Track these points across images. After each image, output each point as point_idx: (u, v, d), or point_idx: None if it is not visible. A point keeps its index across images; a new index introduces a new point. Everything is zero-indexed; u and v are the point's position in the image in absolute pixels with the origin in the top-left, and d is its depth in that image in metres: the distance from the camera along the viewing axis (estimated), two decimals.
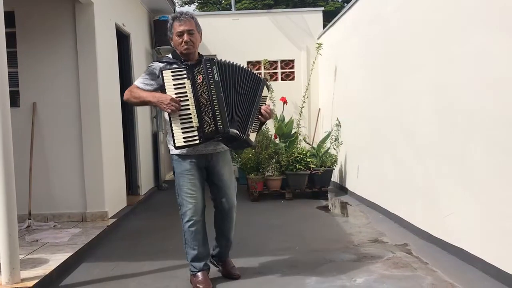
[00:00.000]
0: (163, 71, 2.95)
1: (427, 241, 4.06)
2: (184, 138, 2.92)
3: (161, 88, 3.00)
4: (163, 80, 2.94)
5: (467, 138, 3.45)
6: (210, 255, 3.40)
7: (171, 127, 2.94)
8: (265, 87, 3.15)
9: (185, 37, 3.04)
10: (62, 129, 5.20)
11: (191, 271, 3.24)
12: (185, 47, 3.06)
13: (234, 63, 3.08)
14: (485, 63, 3.23)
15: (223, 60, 3.05)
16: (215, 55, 8.41)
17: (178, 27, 3.05)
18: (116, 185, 5.71)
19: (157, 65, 3.10)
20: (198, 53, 3.22)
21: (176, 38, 3.07)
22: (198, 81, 2.91)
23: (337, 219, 5.33)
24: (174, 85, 2.93)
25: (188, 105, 2.92)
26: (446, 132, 3.77)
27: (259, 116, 3.11)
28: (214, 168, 3.21)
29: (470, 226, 3.45)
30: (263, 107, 3.11)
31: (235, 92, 3.00)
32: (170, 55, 3.19)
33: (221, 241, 3.39)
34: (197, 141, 2.93)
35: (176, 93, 2.92)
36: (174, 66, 3.05)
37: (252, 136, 3.06)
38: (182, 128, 2.92)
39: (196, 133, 2.92)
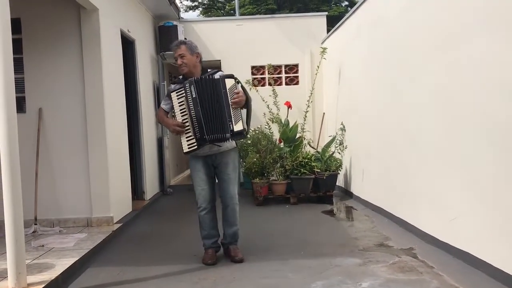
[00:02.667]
0: (171, 93, 3.71)
1: (432, 245, 4.04)
2: (188, 145, 3.67)
3: (173, 105, 3.75)
4: (172, 100, 3.73)
5: (472, 141, 3.45)
6: (220, 242, 4.03)
7: (180, 137, 3.71)
8: (226, 80, 3.66)
9: (178, 60, 3.77)
10: (68, 135, 5.23)
11: (203, 246, 3.97)
12: (180, 68, 3.78)
13: (206, 77, 3.70)
14: (490, 67, 3.22)
15: (203, 76, 3.71)
16: (219, 60, 8.45)
17: (174, 54, 3.79)
18: (121, 190, 5.73)
19: (170, 88, 3.83)
20: (204, 69, 3.89)
21: (176, 63, 3.80)
22: (188, 99, 3.60)
23: (342, 223, 5.32)
24: (178, 103, 3.69)
25: (187, 118, 3.64)
26: (450, 135, 3.76)
27: (234, 106, 3.63)
28: (218, 165, 3.87)
29: (476, 229, 3.44)
30: (232, 99, 3.62)
31: (208, 101, 3.62)
32: (180, 76, 3.88)
33: (225, 228, 4.00)
34: (196, 147, 3.64)
35: (180, 110, 3.68)
36: (177, 86, 3.73)
37: (238, 126, 3.61)
38: (186, 138, 3.67)
39: (194, 140, 3.62)
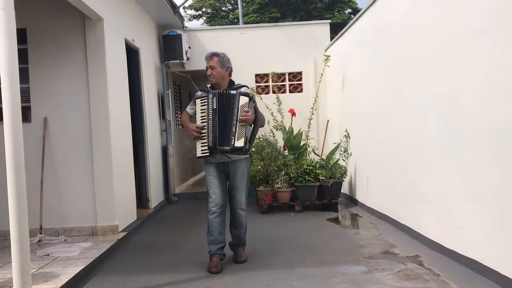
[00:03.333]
0: (196, 99, 4.01)
1: (439, 252, 4.02)
2: (201, 151, 3.92)
3: (196, 112, 4.02)
4: (196, 105, 4.01)
5: (477, 148, 3.44)
6: (228, 243, 4.20)
7: (196, 142, 3.96)
8: (241, 97, 3.88)
9: (208, 71, 4.01)
10: (73, 144, 5.25)
11: (209, 254, 4.02)
12: (209, 79, 4.03)
13: (227, 91, 3.92)
14: (494, 73, 3.22)
15: (226, 90, 3.94)
16: None
17: (206, 64, 4.04)
18: (126, 199, 5.74)
19: (197, 94, 4.07)
20: (231, 81, 4.11)
21: (207, 72, 4.03)
22: (208, 108, 3.88)
23: (347, 231, 5.30)
24: (200, 109, 3.96)
25: (205, 125, 3.88)
26: (455, 142, 3.75)
27: (241, 124, 3.85)
28: (229, 173, 4.06)
29: (482, 236, 3.42)
30: (241, 116, 3.84)
31: (224, 113, 3.86)
32: (209, 85, 4.11)
33: (233, 232, 4.20)
34: (207, 154, 3.89)
35: (201, 116, 3.93)
36: (203, 94, 3.98)
37: (239, 142, 3.82)
38: (201, 143, 3.91)
39: (206, 147, 3.87)
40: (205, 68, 4.08)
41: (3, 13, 3.03)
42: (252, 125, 4.03)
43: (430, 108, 4.21)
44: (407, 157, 4.78)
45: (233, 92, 3.91)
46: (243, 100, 3.88)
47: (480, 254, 3.44)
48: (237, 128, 3.82)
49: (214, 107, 3.85)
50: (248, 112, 3.86)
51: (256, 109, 4.01)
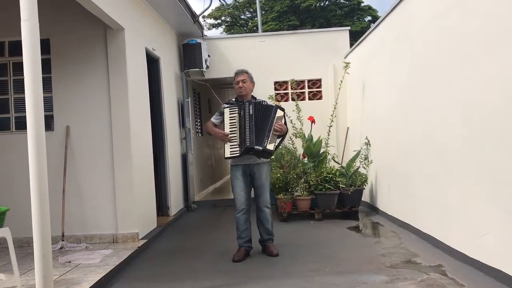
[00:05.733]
0: (224, 109, 4.55)
1: (462, 262, 3.93)
2: (230, 152, 4.44)
3: (223, 119, 4.54)
4: (224, 114, 4.53)
5: (501, 154, 3.36)
6: (259, 240, 4.75)
7: (224, 145, 4.49)
8: (278, 110, 4.50)
9: (240, 84, 4.62)
10: (94, 152, 5.32)
11: (238, 245, 4.60)
12: (239, 91, 4.62)
13: (263, 102, 4.55)
14: None
15: (258, 100, 4.57)
16: None
17: (237, 78, 4.65)
18: (147, 206, 5.78)
19: (223, 106, 4.63)
20: (252, 96, 4.68)
21: (236, 85, 4.64)
22: (241, 115, 4.42)
23: (368, 239, 5.23)
24: (229, 117, 4.49)
25: (235, 130, 4.42)
26: (477, 150, 3.68)
27: (274, 132, 4.43)
28: (255, 174, 4.61)
29: (507, 245, 3.33)
30: (276, 125, 4.44)
31: (260, 119, 4.42)
32: (234, 98, 4.76)
33: (261, 228, 4.72)
34: (238, 154, 4.41)
35: (229, 122, 4.46)
36: (230, 106, 4.54)
37: (270, 146, 4.39)
38: (230, 145, 4.44)
39: (238, 148, 4.40)
40: (232, 80, 4.70)
41: (27, 24, 3.09)
42: (281, 137, 4.57)
43: (452, 115, 4.14)
44: (428, 164, 4.71)
45: (271, 104, 4.57)
46: (280, 113, 4.50)
47: (505, 263, 3.36)
48: (270, 135, 4.38)
49: (251, 113, 4.39)
50: (282, 124, 4.49)
51: (286, 123, 4.62)
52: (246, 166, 4.58)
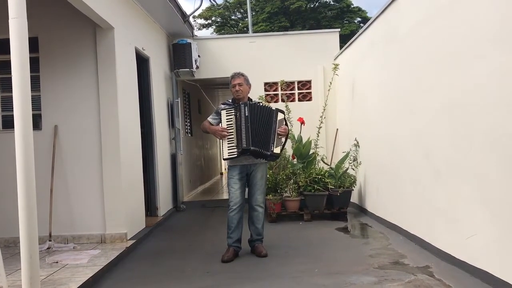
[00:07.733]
0: (221, 111, 4.59)
1: (449, 263, 3.97)
2: (228, 153, 4.46)
3: (221, 120, 4.58)
4: (221, 115, 4.57)
5: (487, 156, 3.40)
6: (248, 240, 4.77)
7: (222, 146, 4.54)
8: (279, 113, 4.60)
9: (236, 87, 4.65)
10: (83, 152, 5.28)
11: (227, 245, 4.60)
12: (236, 94, 4.66)
13: (260, 104, 4.65)
14: (502, 82, 3.19)
15: (254, 102, 4.71)
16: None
17: (233, 81, 4.68)
18: (135, 206, 5.75)
19: (220, 107, 4.70)
20: (249, 97, 4.79)
21: (232, 88, 4.67)
22: (237, 116, 4.46)
23: (356, 240, 5.26)
24: (226, 119, 4.52)
25: (232, 131, 4.47)
26: (464, 151, 3.72)
27: (278, 135, 4.54)
28: (251, 174, 4.66)
29: (494, 247, 3.37)
30: (279, 128, 4.55)
31: (257, 122, 4.48)
32: (230, 100, 4.81)
33: (251, 228, 4.75)
34: (236, 155, 4.43)
35: (227, 124, 4.50)
36: (228, 107, 4.62)
37: (277, 149, 4.53)
38: (228, 147, 4.46)
39: (235, 149, 4.43)
40: (229, 82, 4.73)
41: (15, 22, 3.07)
42: (284, 138, 4.69)
43: (439, 116, 4.18)
44: (416, 166, 4.75)
45: (272, 106, 4.65)
46: (280, 116, 4.62)
47: (491, 264, 3.39)
48: (276, 138, 4.50)
49: (246, 114, 4.44)
50: (285, 127, 4.63)
51: (287, 125, 4.75)
52: (243, 167, 4.62)
